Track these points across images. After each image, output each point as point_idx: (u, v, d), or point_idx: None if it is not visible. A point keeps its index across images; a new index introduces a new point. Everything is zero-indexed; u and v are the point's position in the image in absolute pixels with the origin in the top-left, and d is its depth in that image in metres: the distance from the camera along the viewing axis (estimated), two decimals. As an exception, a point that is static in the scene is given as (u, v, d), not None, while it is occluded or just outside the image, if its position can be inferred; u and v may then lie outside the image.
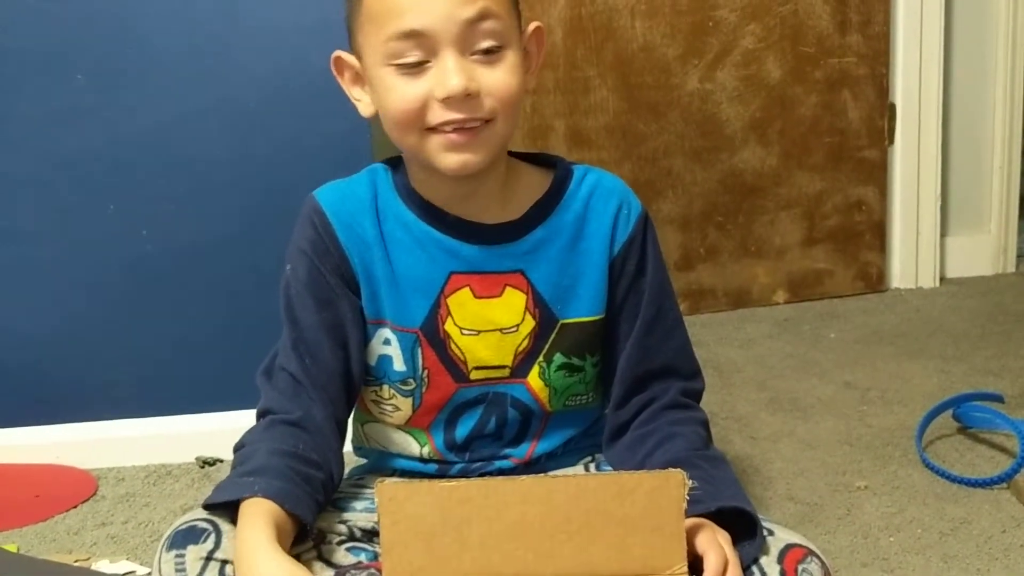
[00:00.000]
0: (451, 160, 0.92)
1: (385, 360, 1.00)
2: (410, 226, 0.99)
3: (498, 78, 0.90)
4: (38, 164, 1.50)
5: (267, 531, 0.83)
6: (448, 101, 0.89)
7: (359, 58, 0.95)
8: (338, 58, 0.98)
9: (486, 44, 0.89)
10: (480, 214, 0.98)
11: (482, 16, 0.88)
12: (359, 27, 0.93)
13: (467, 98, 0.89)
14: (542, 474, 0.98)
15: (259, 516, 0.84)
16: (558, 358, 1.01)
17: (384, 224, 0.99)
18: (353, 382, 0.99)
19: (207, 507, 0.89)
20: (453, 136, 0.91)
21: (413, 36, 0.89)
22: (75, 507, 1.42)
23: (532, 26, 0.97)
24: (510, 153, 1.02)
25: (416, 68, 0.90)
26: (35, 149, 1.49)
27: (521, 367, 1.01)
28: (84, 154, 1.49)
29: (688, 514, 0.84)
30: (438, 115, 0.90)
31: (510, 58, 0.91)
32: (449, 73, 0.88)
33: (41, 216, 1.51)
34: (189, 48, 1.47)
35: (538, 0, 1.99)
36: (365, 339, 1.00)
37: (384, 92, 0.92)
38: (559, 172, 1.02)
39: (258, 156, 1.50)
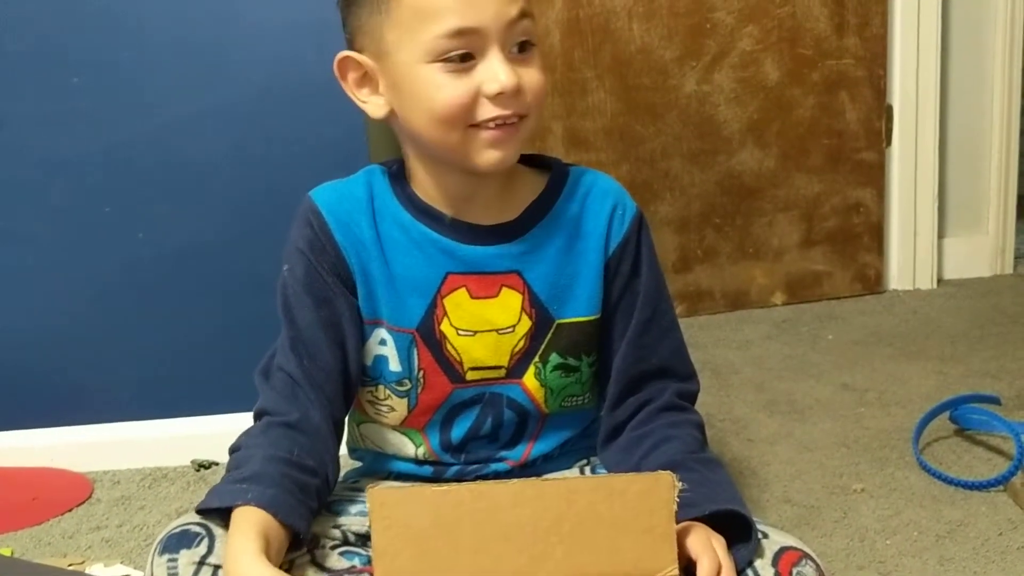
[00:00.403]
0: (490, 156, 0.93)
1: (381, 360, 1.00)
2: (407, 226, 0.99)
3: (533, 75, 0.92)
4: (34, 166, 1.50)
5: (255, 542, 0.82)
6: (499, 97, 0.90)
7: (378, 59, 0.94)
8: (346, 59, 0.96)
9: (523, 41, 0.92)
10: (476, 215, 0.98)
11: (523, 14, 0.91)
12: (388, 27, 0.92)
13: (516, 94, 0.91)
14: (533, 477, 0.97)
15: (249, 526, 0.84)
16: (554, 358, 1.01)
17: (381, 224, 0.99)
18: (351, 382, 0.99)
19: (200, 512, 0.89)
20: (497, 132, 0.92)
21: (464, 34, 0.89)
22: (70, 510, 1.41)
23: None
24: None
25: (464, 65, 0.91)
26: (31, 151, 1.49)
27: (517, 367, 1.00)
28: (80, 156, 1.49)
29: (683, 517, 0.84)
30: (487, 111, 0.91)
31: (538, 55, 0.94)
32: (500, 70, 0.90)
33: (36, 218, 1.51)
34: (185, 50, 1.46)
35: (535, 2, 1.97)
36: (362, 339, 0.99)
37: (431, 90, 0.91)
38: (555, 173, 1.02)
39: (254, 158, 1.50)
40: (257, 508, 0.85)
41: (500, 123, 0.91)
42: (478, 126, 0.92)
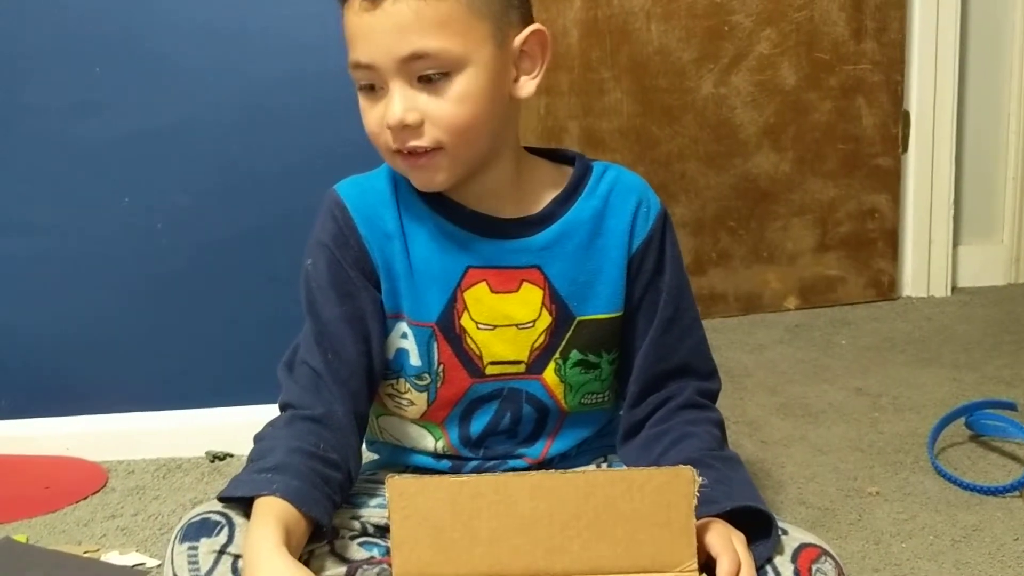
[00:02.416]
0: (415, 178, 0.95)
1: (402, 354, 1.00)
2: (427, 220, 0.99)
3: (440, 108, 0.90)
4: (54, 156, 1.50)
5: (276, 533, 0.82)
6: (391, 130, 0.91)
7: None
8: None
9: (429, 73, 0.90)
10: (497, 209, 0.98)
11: (416, 55, 0.89)
12: None
13: (406, 129, 0.90)
14: (553, 470, 0.97)
15: (271, 516, 0.84)
16: (574, 355, 1.01)
17: (404, 217, 0.99)
18: (374, 376, 0.99)
19: (222, 499, 0.89)
20: (410, 160, 0.93)
21: (365, 67, 0.91)
22: (85, 499, 1.42)
23: (529, 30, 0.94)
24: (529, 149, 1.02)
25: (374, 95, 0.92)
26: (51, 141, 1.50)
27: (537, 363, 1.00)
28: (100, 147, 1.50)
29: (703, 514, 0.84)
30: (392, 140, 0.92)
31: (460, 84, 0.90)
32: (390, 104, 0.90)
33: (55, 209, 1.52)
34: (208, 42, 1.47)
35: (554, 2, 1.99)
36: (385, 333, 0.99)
37: (361, 112, 0.94)
38: (578, 168, 1.01)
39: (274, 152, 1.50)
40: (281, 499, 0.85)
41: (409, 151, 0.92)
42: (396, 152, 0.93)
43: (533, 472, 0.81)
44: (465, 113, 0.91)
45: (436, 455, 1.04)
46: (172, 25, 1.46)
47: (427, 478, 0.83)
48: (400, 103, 0.89)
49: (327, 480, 0.90)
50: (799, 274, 2.18)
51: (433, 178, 0.94)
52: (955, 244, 2.24)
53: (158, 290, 1.53)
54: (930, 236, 2.21)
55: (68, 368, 1.56)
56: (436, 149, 0.91)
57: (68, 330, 1.55)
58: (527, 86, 0.95)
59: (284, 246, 1.48)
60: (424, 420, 1.03)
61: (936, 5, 2.12)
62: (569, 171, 1.02)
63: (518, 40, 0.93)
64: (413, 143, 0.91)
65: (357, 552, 0.94)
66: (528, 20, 0.95)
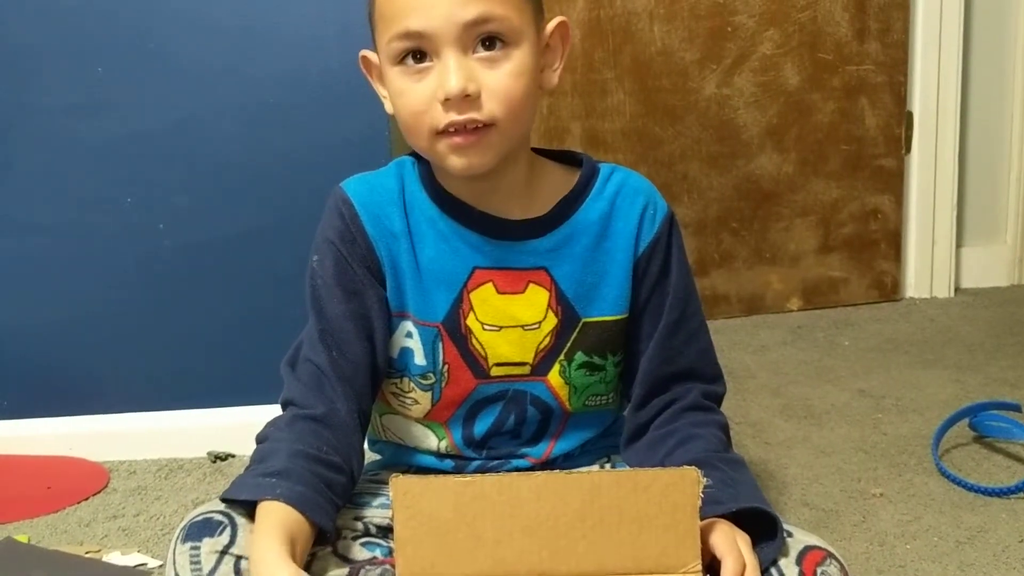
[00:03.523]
0: (457, 162, 0.92)
1: (407, 353, 1.00)
2: (435, 220, 0.98)
3: (499, 80, 0.88)
4: (57, 156, 1.50)
5: (281, 543, 0.82)
6: (447, 102, 0.88)
7: (378, 59, 0.95)
8: (364, 57, 0.98)
9: (490, 41, 0.88)
10: (505, 210, 0.98)
11: (483, 19, 0.87)
12: (374, 26, 0.94)
13: (466, 99, 0.88)
14: (557, 470, 0.97)
15: (275, 525, 0.83)
16: (579, 356, 1.00)
17: (411, 216, 0.98)
18: (378, 374, 0.99)
19: (225, 501, 0.89)
20: (457, 139, 0.90)
21: (415, 36, 0.88)
22: (87, 499, 1.42)
23: (556, 21, 0.96)
24: (536, 150, 1.02)
25: (420, 69, 0.89)
26: (54, 141, 1.50)
27: (542, 365, 1.00)
28: (103, 147, 1.49)
29: (708, 515, 0.84)
30: (441, 117, 0.89)
31: (517, 58, 0.89)
32: (448, 73, 0.87)
33: (58, 208, 1.52)
34: (210, 43, 1.47)
35: (557, 2, 1.99)
36: (390, 331, 0.99)
37: (395, 95, 0.92)
38: (585, 170, 1.01)
39: (276, 152, 1.50)
40: (285, 504, 0.85)
41: (459, 129, 0.89)
42: (442, 132, 0.90)
43: (538, 473, 0.80)
44: (521, 88, 0.89)
45: (439, 455, 1.04)
46: (174, 25, 1.46)
47: (431, 478, 0.83)
48: (459, 72, 0.87)
49: (330, 484, 0.90)
50: (802, 275, 2.18)
51: (481, 158, 0.91)
52: (958, 245, 2.24)
53: (161, 290, 1.53)
54: (933, 237, 2.21)
55: (70, 368, 1.56)
56: (488, 126, 0.89)
57: (70, 330, 1.54)
58: (551, 78, 0.96)
59: (286, 246, 1.48)
60: (428, 420, 1.03)
61: (939, 6, 2.11)
62: (576, 173, 1.01)
63: (550, 27, 0.95)
64: (471, 114, 0.88)
65: (360, 553, 0.94)
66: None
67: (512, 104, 0.89)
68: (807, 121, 2.12)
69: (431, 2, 0.87)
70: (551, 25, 0.95)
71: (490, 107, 0.89)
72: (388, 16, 0.90)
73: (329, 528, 0.88)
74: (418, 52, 0.89)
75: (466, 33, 0.87)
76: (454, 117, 0.88)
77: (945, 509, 1.29)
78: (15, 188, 1.51)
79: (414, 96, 0.90)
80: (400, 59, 0.90)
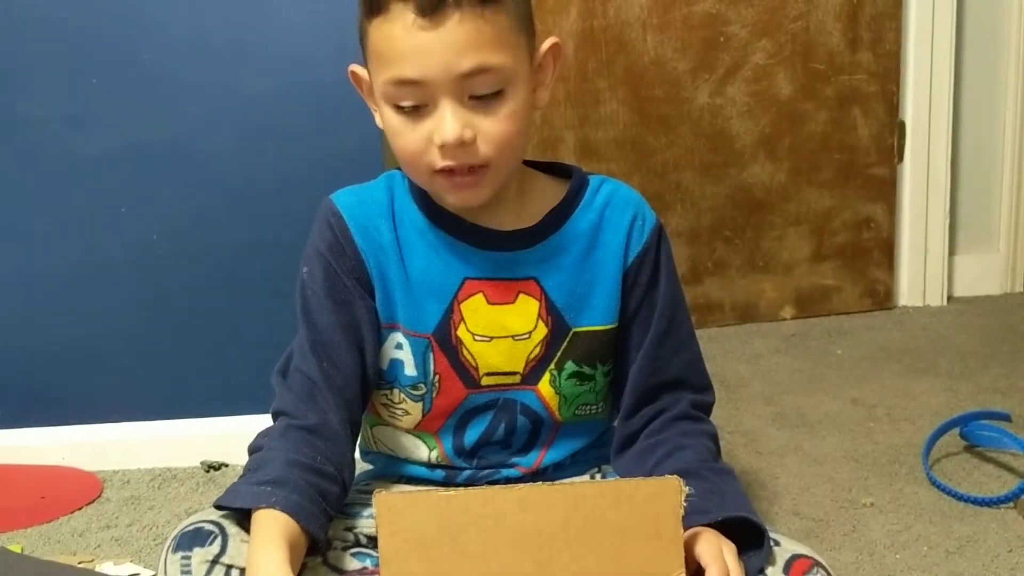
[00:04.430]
0: (455, 198, 0.94)
1: (397, 364, 1.00)
2: (425, 231, 0.99)
3: (494, 126, 0.89)
4: (51, 167, 1.51)
5: (282, 551, 0.82)
6: (444, 148, 0.89)
7: (370, 80, 0.96)
8: (353, 72, 0.98)
9: (484, 91, 0.89)
10: (495, 221, 0.99)
11: (479, 69, 0.87)
12: (367, 57, 0.94)
13: (462, 145, 0.89)
14: (540, 482, 0.97)
15: (275, 532, 0.84)
16: (569, 366, 1.01)
17: (400, 228, 0.99)
18: (368, 385, 0.99)
19: (218, 507, 0.89)
20: (454, 179, 0.91)
21: (409, 84, 0.89)
22: (80, 509, 1.42)
23: (548, 43, 0.95)
24: (526, 162, 1.03)
25: (416, 111, 0.90)
26: (48, 152, 1.50)
27: (532, 374, 1.01)
28: (97, 158, 1.50)
29: (694, 524, 0.85)
30: (437, 160, 0.90)
31: (511, 100, 0.90)
32: (445, 121, 0.88)
33: (52, 219, 1.52)
34: (204, 53, 1.47)
35: (550, 13, 2.00)
36: (379, 342, 1.00)
37: (391, 132, 0.93)
38: (575, 181, 1.02)
39: (269, 163, 1.50)
40: (281, 513, 0.85)
41: (456, 170, 0.90)
42: (440, 171, 0.91)
43: (521, 485, 0.80)
44: (513, 129, 0.91)
45: (430, 465, 1.05)
46: (168, 37, 1.47)
47: (414, 493, 0.83)
48: (455, 120, 0.88)
49: (324, 494, 0.90)
50: (795, 284, 2.18)
51: (478, 195, 0.93)
52: (951, 253, 2.24)
53: (154, 300, 1.54)
54: (926, 245, 2.21)
55: (63, 378, 1.56)
56: (483, 166, 0.91)
57: (64, 340, 1.55)
58: (543, 96, 0.96)
59: (279, 256, 1.48)
60: (418, 430, 1.04)
61: (931, 15, 2.12)
62: (566, 184, 1.02)
63: (544, 47, 0.95)
64: (465, 161, 0.90)
65: (350, 563, 0.94)
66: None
67: (507, 145, 0.91)
68: (800, 130, 2.13)
69: (428, 51, 0.87)
70: (543, 48, 0.95)
71: (485, 151, 0.90)
72: (385, 58, 0.90)
73: (322, 537, 0.89)
74: (413, 98, 0.89)
75: (461, 83, 0.88)
76: (449, 162, 0.90)
77: (935, 519, 1.29)
78: (9, 199, 1.52)
79: (410, 137, 0.91)
80: (394, 102, 0.91)
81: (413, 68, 0.87)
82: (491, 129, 0.89)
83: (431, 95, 0.88)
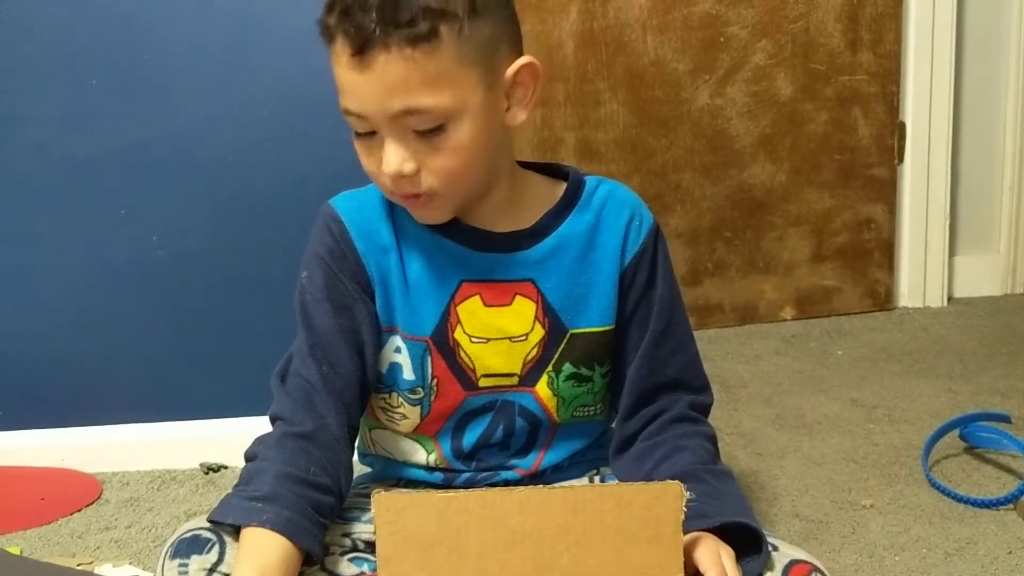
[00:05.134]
0: (416, 215, 0.96)
1: (395, 368, 1.00)
2: (422, 234, 0.99)
3: (437, 160, 0.90)
4: (50, 168, 1.50)
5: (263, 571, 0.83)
6: (388, 178, 0.90)
7: None
8: None
9: (422, 128, 0.88)
10: (491, 223, 0.99)
11: (409, 111, 0.87)
12: None
13: (404, 177, 0.90)
14: (540, 485, 0.97)
15: (256, 557, 0.84)
16: (567, 368, 1.01)
17: (399, 231, 0.99)
18: (367, 388, 0.99)
19: (212, 522, 0.89)
20: (409, 202, 0.93)
21: (356, 115, 0.90)
22: (79, 511, 1.42)
23: (518, 64, 0.92)
24: (523, 164, 1.03)
25: (369, 139, 0.91)
26: (48, 152, 1.50)
27: (530, 376, 1.01)
28: (97, 158, 1.50)
29: (693, 528, 0.84)
30: (389, 185, 0.92)
31: (455, 135, 0.89)
32: (385, 155, 0.89)
33: (50, 220, 1.52)
34: (202, 55, 1.47)
35: (550, 13, 2.00)
36: (379, 345, 1.00)
37: (357, 152, 0.94)
38: (572, 183, 1.02)
39: (269, 163, 1.50)
40: (271, 531, 0.85)
41: (406, 196, 0.92)
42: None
43: (521, 488, 0.80)
44: (460, 161, 0.90)
45: (428, 468, 1.05)
46: (169, 38, 1.47)
47: (414, 494, 0.83)
48: (395, 155, 0.89)
49: (317, 506, 0.90)
50: (795, 284, 2.18)
51: (433, 215, 0.95)
52: (951, 254, 2.24)
53: (153, 302, 1.53)
54: (926, 246, 2.21)
55: (62, 379, 1.56)
56: (431, 194, 0.92)
57: (62, 341, 1.55)
58: (519, 115, 0.94)
59: (279, 258, 1.48)
60: (417, 433, 1.04)
61: (931, 16, 2.12)
62: (563, 185, 1.02)
63: (509, 72, 0.92)
64: (409, 190, 0.91)
65: (347, 568, 0.94)
66: (518, 47, 0.94)
67: (451, 177, 0.91)
68: (800, 131, 2.13)
69: (361, 90, 0.88)
70: (512, 68, 0.92)
71: (429, 182, 0.91)
72: (338, 88, 0.91)
73: (315, 551, 0.89)
74: (362, 127, 0.90)
75: (397, 121, 0.88)
76: (396, 191, 0.92)
77: (935, 520, 1.29)
78: (7, 199, 1.51)
79: (366, 161, 0.93)
80: (351, 127, 0.92)
81: (352, 102, 0.89)
82: (434, 163, 0.90)
83: (375, 127, 0.90)
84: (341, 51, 0.88)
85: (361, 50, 0.86)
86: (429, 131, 0.89)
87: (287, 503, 0.87)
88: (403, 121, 0.88)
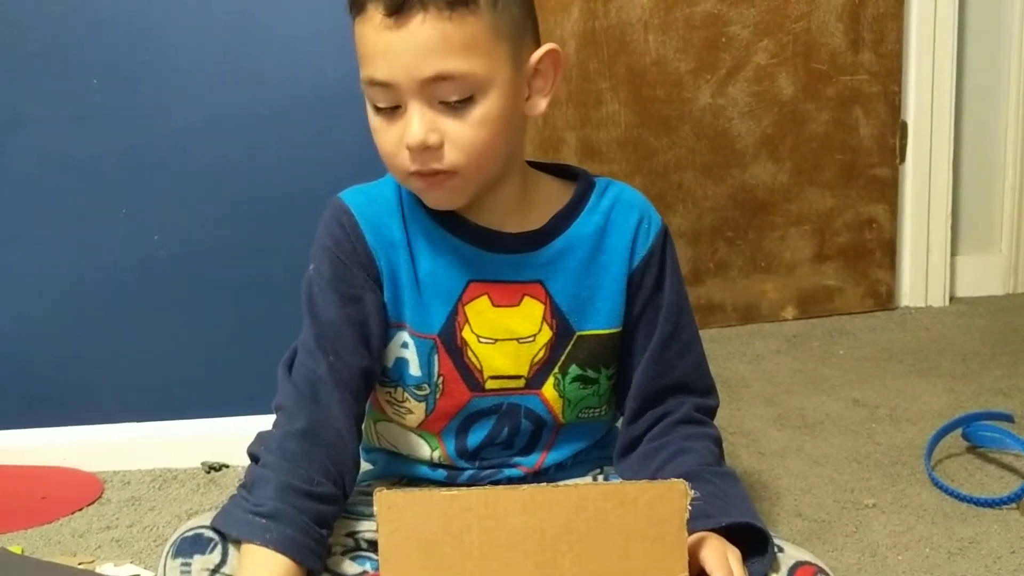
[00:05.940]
0: (430, 199, 0.94)
1: (402, 363, 1.00)
2: (432, 232, 0.98)
3: (461, 130, 0.88)
4: (52, 167, 1.50)
5: None
6: (410, 151, 0.89)
7: None
8: None
9: (450, 98, 0.88)
10: (500, 223, 0.98)
11: (441, 76, 0.86)
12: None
13: (427, 150, 0.88)
14: (544, 483, 0.97)
15: (263, 573, 0.84)
16: (573, 370, 1.01)
17: (409, 227, 0.98)
18: (373, 379, 0.99)
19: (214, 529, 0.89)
20: (424, 181, 0.91)
21: (380, 85, 0.88)
22: (80, 510, 1.42)
23: (543, 49, 0.93)
24: (533, 164, 1.02)
25: (391, 112, 0.90)
26: (49, 152, 1.50)
27: (536, 378, 1.00)
28: (98, 158, 1.50)
29: (698, 529, 0.84)
30: (408, 162, 0.90)
31: (483, 107, 0.88)
32: (410, 124, 0.88)
33: (52, 220, 1.52)
34: (204, 55, 1.47)
35: (552, 13, 1.99)
36: (386, 337, 0.99)
37: (372, 130, 0.92)
38: (581, 184, 1.02)
39: (271, 163, 1.50)
40: (274, 551, 0.85)
41: (424, 173, 0.90)
42: (413, 173, 0.91)
43: (524, 486, 0.80)
44: (485, 136, 0.89)
45: (432, 464, 1.04)
46: (169, 38, 1.46)
47: (416, 492, 0.83)
48: (420, 124, 0.87)
49: (320, 519, 0.89)
50: (797, 284, 2.18)
51: (448, 198, 0.93)
52: (953, 254, 2.24)
53: (155, 301, 1.53)
54: (928, 246, 2.21)
55: (64, 378, 1.56)
56: (452, 172, 0.90)
57: (64, 340, 1.54)
58: (539, 104, 0.94)
59: (281, 256, 1.48)
60: (422, 429, 1.03)
61: (933, 16, 2.12)
62: (572, 187, 1.02)
63: (533, 59, 0.92)
64: (432, 165, 0.89)
65: (350, 567, 0.94)
66: (537, 39, 0.95)
67: (475, 153, 0.89)
68: (802, 131, 2.13)
69: (393, 54, 0.86)
70: (537, 54, 0.92)
71: (451, 157, 0.89)
72: (361, 57, 0.90)
73: (318, 568, 0.88)
74: (386, 98, 0.89)
75: (427, 88, 0.87)
76: (417, 166, 0.90)
77: (937, 520, 1.29)
78: (9, 199, 1.51)
79: (385, 138, 0.91)
80: (372, 101, 0.91)
81: (380, 69, 0.87)
82: (459, 135, 0.88)
83: (400, 96, 0.88)
84: (373, 13, 0.87)
85: (399, 10, 0.85)
86: (457, 103, 0.87)
87: (291, 521, 0.87)
88: (432, 89, 0.87)
